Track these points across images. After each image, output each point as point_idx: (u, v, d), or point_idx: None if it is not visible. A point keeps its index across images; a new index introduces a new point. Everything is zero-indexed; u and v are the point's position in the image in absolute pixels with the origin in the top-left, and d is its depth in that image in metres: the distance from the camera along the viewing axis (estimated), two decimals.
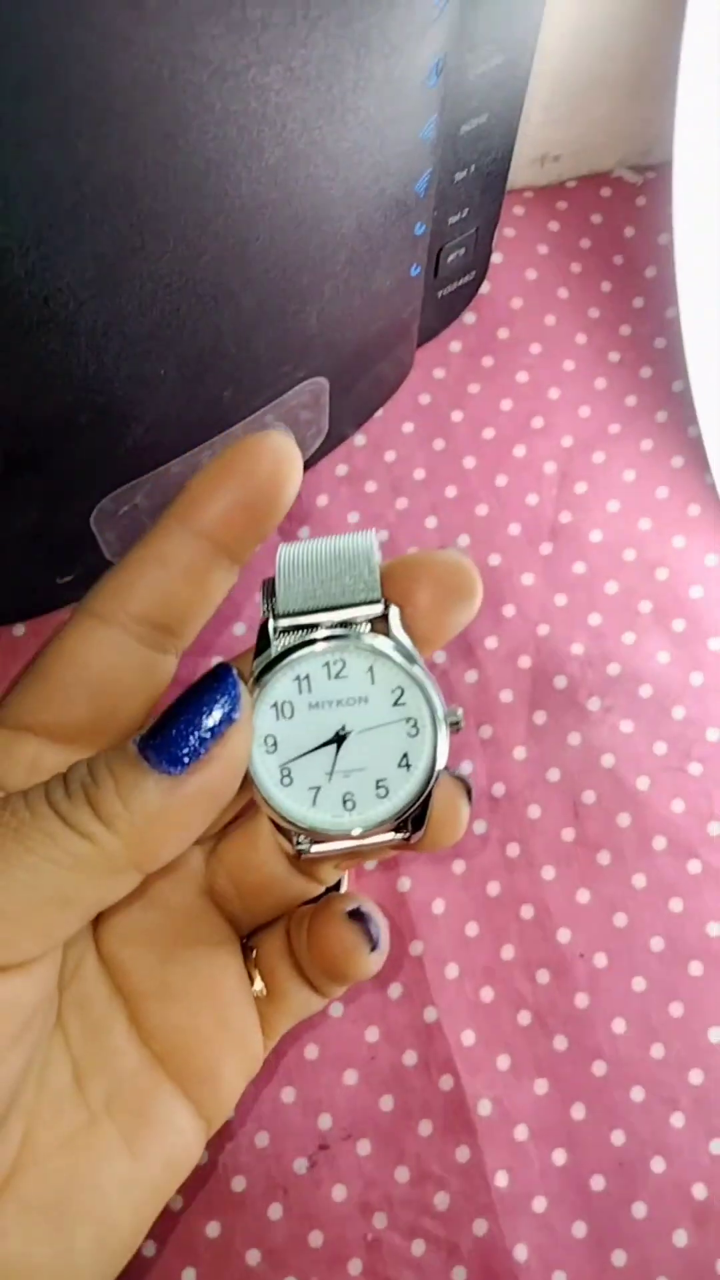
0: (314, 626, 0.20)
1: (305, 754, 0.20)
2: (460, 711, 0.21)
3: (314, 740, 0.20)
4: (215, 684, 0.18)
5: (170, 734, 0.17)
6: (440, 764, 0.20)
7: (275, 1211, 0.31)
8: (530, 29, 0.29)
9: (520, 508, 0.38)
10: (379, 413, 0.39)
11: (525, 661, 0.36)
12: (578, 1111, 0.32)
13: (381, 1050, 0.32)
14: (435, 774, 0.20)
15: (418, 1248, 0.31)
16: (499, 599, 0.37)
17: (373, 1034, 0.32)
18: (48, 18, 0.17)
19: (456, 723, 0.20)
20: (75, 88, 0.19)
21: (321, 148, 0.24)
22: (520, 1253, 0.31)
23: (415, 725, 0.20)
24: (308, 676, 0.20)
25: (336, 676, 0.20)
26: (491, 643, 0.36)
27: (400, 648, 0.20)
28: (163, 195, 0.22)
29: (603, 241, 0.41)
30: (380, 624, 0.20)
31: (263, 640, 0.20)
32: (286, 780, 0.20)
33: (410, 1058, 0.32)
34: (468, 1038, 0.32)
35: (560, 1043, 0.32)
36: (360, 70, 0.23)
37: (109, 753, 0.18)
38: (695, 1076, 0.32)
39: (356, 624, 0.20)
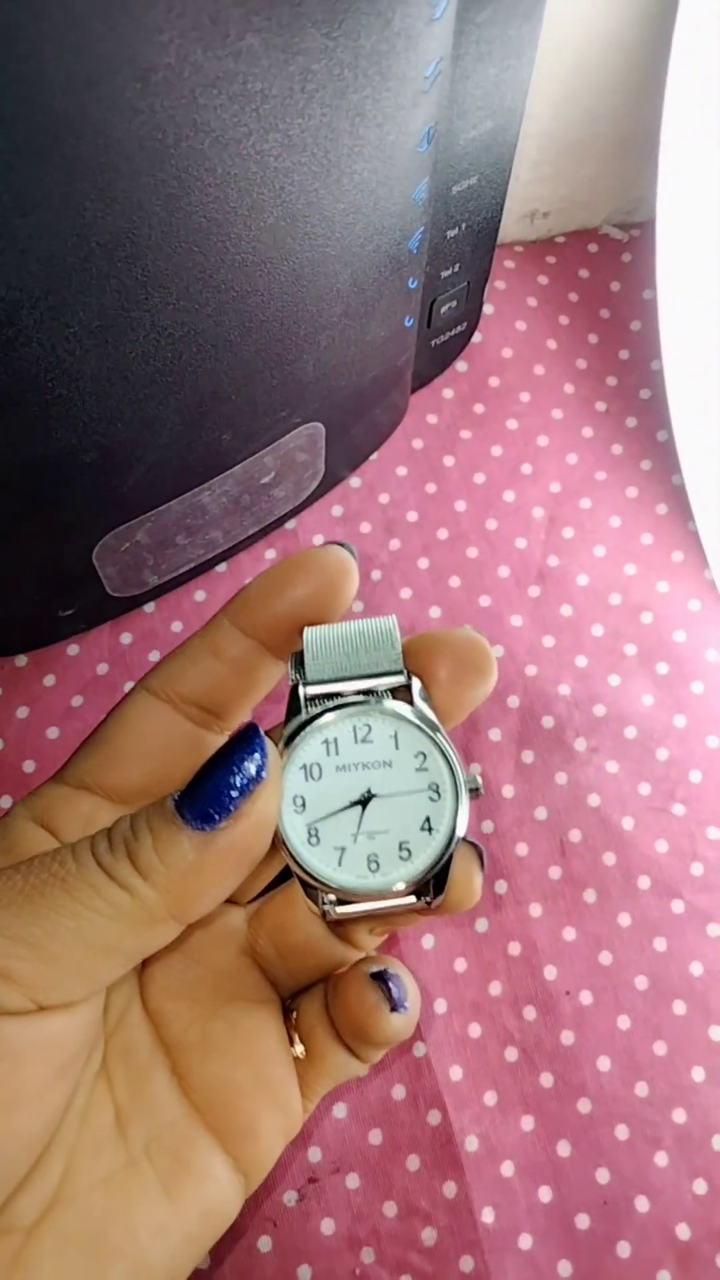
0: (341, 694, 0.21)
1: (332, 814, 0.21)
2: (480, 779, 0.22)
3: (341, 802, 0.21)
4: (244, 745, 0.19)
5: (202, 793, 0.18)
6: (461, 829, 0.21)
7: (265, 1244, 0.31)
8: (518, 96, 0.30)
9: (510, 550, 0.39)
10: (374, 456, 0.40)
11: (514, 701, 0.37)
12: (563, 1149, 0.32)
13: (371, 1084, 0.32)
14: (456, 838, 0.21)
15: None
16: (489, 639, 0.38)
17: None
18: (60, 89, 0.19)
19: (476, 789, 0.21)
20: (84, 153, 0.20)
21: (318, 209, 0.25)
22: None
23: (437, 790, 0.21)
24: (335, 740, 0.21)
25: (363, 741, 0.21)
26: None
27: (422, 715, 0.21)
28: (166, 252, 0.23)
29: (590, 295, 0.43)
30: (403, 693, 0.21)
31: (293, 705, 0.21)
32: (314, 840, 0.21)
33: (399, 1092, 0.32)
34: (455, 1073, 0.33)
35: (546, 1079, 0.33)
36: (355, 138, 0.24)
37: (149, 809, 0.19)
38: (678, 1115, 0.32)
39: (381, 692, 0.21)
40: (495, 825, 0.35)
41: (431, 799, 0.21)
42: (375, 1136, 0.32)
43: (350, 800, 0.21)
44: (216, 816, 0.18)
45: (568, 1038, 0.33)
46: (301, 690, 0.21)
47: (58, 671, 0.37)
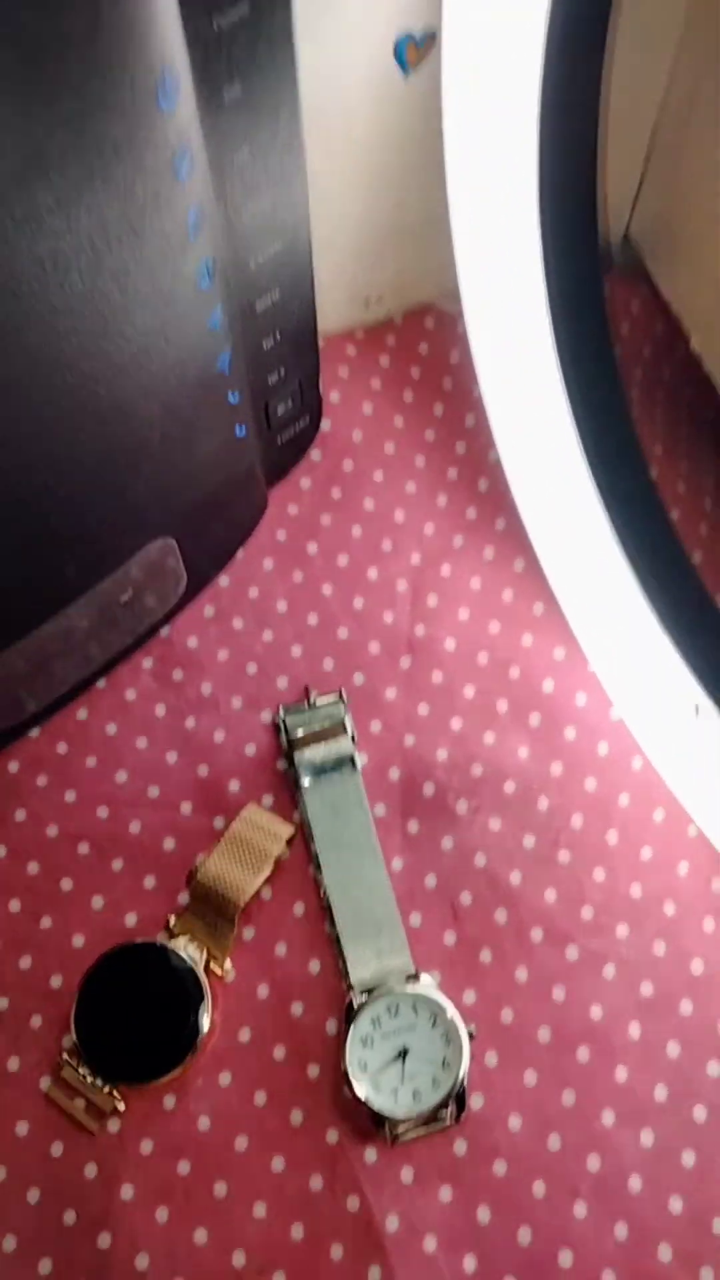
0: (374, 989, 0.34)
1: (383, 1069, 0.33)
2: (474, 1026, 0.33)
3: (387, 1059, 0.33)
4: None
5: None
6: (465, 1064, 0.33)
7: None
8: (300, 216, 0.32)
9: (378, 626, 0.40)
10: (239, 553, 0.42)
11: (395, 773, 0.38)
12: (483, 1214, 0.33)
13: (288, 1177, 0.33)
14: (465, 1070, 0.33)
15: None
16: (366, 716, 0.39)
17: (278, 1163, 0.33)
18: None
19: (470, 1033, 0.33)
20: None
21: (106, 361, 0.27)
22: None
23: (447, 1038, 0.33)
24: (378, 1018, 0.33)
25: (395, 1014, 0.33)
26: (361, 759, 0.38)
27: (429, 990, 0.33)
28: None
29: (431, 369, 0.45)
30: (413, 979, 0.34)
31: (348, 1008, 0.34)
32: (376, 1090, 0.32)
33: (316, 1182, 0.33)
34: (370, 1154, 0.33)
35: (460, 1146, 0.33)
36: (125, 294, 0.26)
37: None
38: (593, 1162, 0.33)
39: (400, 982, 0.34)
40: None
41: (445, 1043, 0.33)
42: (297, 1231, 0.32)
43: (393, 1057, 0.33)
44: None
45: (477, 1101, 0.34)
46: (354, 998, 0.34)
47: None
